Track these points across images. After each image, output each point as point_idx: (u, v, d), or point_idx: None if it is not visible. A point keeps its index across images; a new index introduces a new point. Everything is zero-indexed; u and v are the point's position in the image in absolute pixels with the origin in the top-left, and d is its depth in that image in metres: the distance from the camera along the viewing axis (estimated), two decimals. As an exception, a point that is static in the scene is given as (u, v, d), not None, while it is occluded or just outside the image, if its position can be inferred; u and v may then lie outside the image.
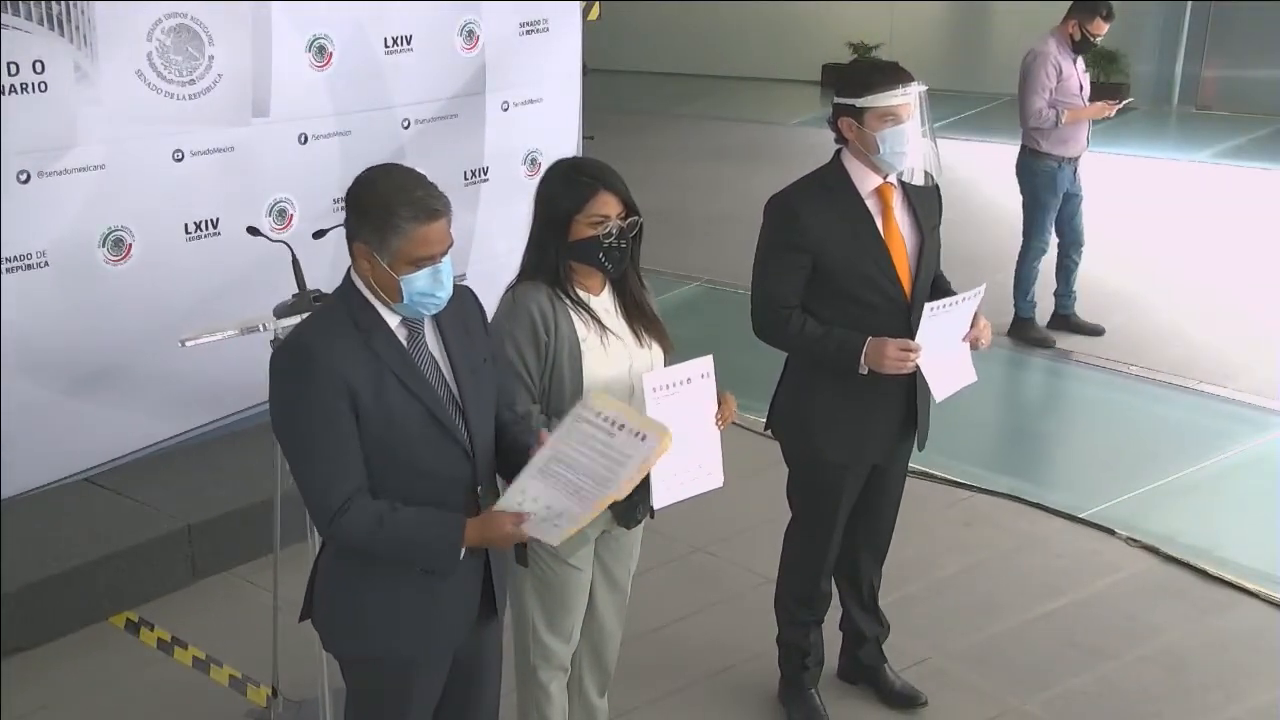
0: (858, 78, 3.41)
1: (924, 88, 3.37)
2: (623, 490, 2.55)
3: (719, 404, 3.08)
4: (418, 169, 2.58)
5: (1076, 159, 6.80)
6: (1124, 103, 6.94)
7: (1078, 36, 6.62)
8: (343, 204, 2.58)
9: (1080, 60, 6.75)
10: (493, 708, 2.97)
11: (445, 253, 2.54)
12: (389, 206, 2.48)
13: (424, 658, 2.71)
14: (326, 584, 2.72)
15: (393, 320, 2.59)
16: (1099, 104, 6.77)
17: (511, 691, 3.37)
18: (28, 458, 4.71)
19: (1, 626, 4.18)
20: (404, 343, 2.59)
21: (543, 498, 2.57)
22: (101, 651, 4.36)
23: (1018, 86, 6.75)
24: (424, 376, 2.59)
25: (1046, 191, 6.83)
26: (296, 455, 2.54)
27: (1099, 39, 6.65)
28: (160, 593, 4.63)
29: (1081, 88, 6.72)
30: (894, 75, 3.36)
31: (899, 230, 3.49)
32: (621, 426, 2.59)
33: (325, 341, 2.52)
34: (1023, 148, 6.86)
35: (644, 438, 2.58)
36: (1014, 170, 6.95)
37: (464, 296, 2.74)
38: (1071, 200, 6.90)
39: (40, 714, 4.04)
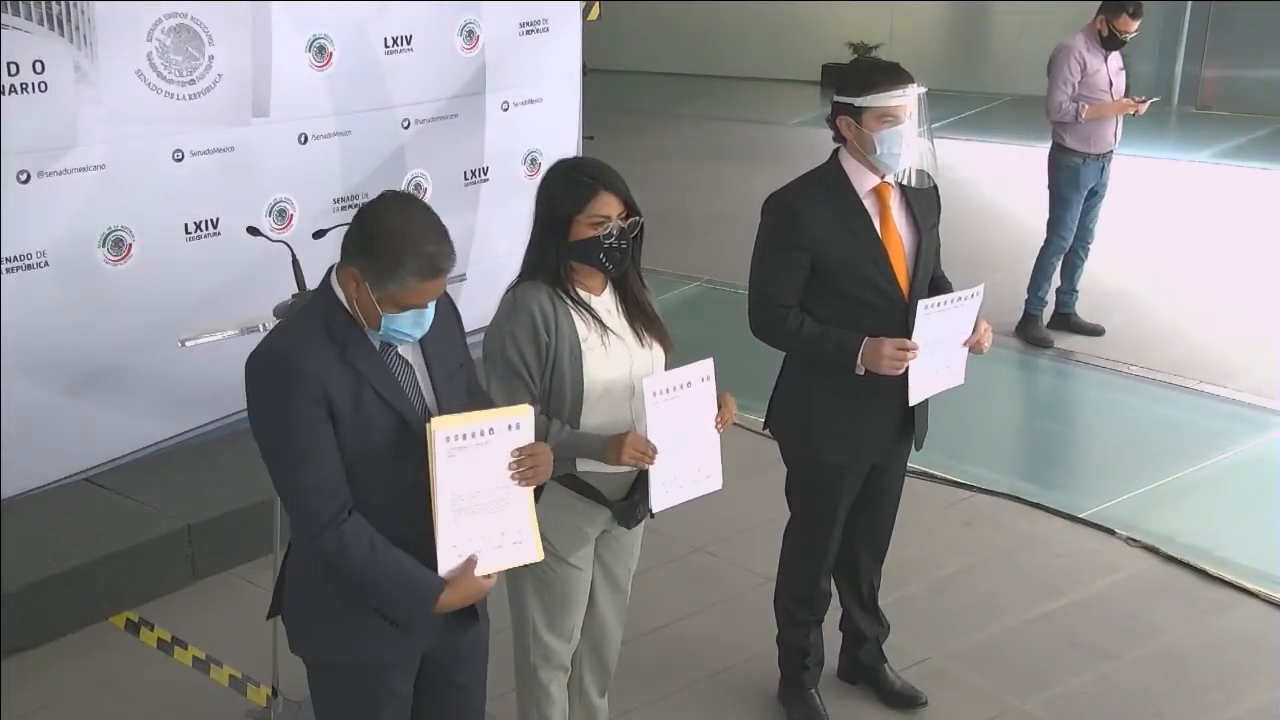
0: (858, 77, 3.41)
1: (923, 89, 3.37)
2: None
3: (719, 407, 3.08)
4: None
5: (1103, 156, 6.80)
6: (1150, 100, 6.91)
7: (1105, 33, 6.63)
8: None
9: (1113, 58, 6.74)
10: (478, 712, 2.94)
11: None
12: (398, 256, 2.43)
13: (388, 662, 2.68)
14: (294, 587, 2.70)
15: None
16: (1122, 100, 6.75)
17: (511, 691, 3.37)
18: (28, 458, 4.70)
19: (1, 626, 4.18)
20: (376, 347, 2.55)
21: (472, 533, 2.57)
22: (101, 651, 4.36)
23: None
24: (400, 388, 2.56)
25: (1069, 187, 6.83)
26: (281, 464, 2.51)
27: (1128, 36, 6.64)
28: (160, 593, 4.62)
29: (1111, 84, 6.71)
30: (894, 76, 3.36)
31: (896, 230, 3.49)
32: (490, 430, 2.56)
33: (298, 347, 2.48)
34: (1051, 143, 6.89)
35: (518, 426, 2.60)
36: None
37: (440, 301, 2.69)
38: (1091, 197, 6.91)
39: (40, 714, 4.04)
